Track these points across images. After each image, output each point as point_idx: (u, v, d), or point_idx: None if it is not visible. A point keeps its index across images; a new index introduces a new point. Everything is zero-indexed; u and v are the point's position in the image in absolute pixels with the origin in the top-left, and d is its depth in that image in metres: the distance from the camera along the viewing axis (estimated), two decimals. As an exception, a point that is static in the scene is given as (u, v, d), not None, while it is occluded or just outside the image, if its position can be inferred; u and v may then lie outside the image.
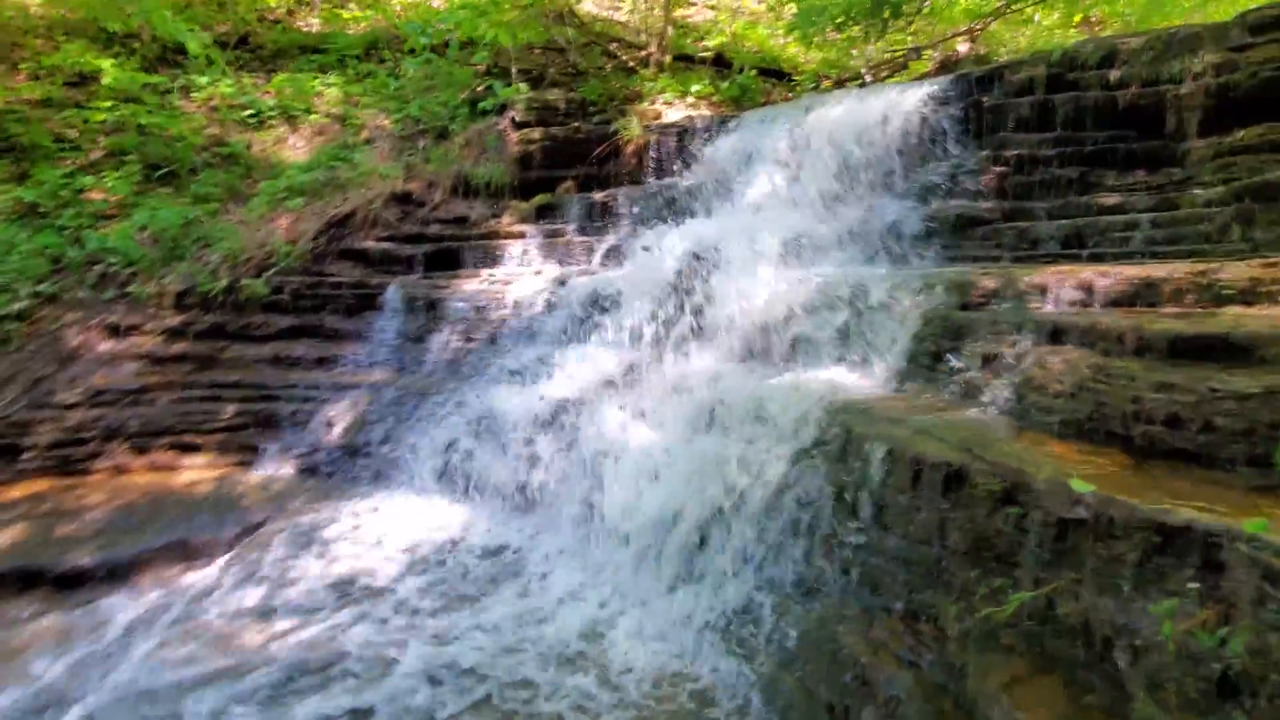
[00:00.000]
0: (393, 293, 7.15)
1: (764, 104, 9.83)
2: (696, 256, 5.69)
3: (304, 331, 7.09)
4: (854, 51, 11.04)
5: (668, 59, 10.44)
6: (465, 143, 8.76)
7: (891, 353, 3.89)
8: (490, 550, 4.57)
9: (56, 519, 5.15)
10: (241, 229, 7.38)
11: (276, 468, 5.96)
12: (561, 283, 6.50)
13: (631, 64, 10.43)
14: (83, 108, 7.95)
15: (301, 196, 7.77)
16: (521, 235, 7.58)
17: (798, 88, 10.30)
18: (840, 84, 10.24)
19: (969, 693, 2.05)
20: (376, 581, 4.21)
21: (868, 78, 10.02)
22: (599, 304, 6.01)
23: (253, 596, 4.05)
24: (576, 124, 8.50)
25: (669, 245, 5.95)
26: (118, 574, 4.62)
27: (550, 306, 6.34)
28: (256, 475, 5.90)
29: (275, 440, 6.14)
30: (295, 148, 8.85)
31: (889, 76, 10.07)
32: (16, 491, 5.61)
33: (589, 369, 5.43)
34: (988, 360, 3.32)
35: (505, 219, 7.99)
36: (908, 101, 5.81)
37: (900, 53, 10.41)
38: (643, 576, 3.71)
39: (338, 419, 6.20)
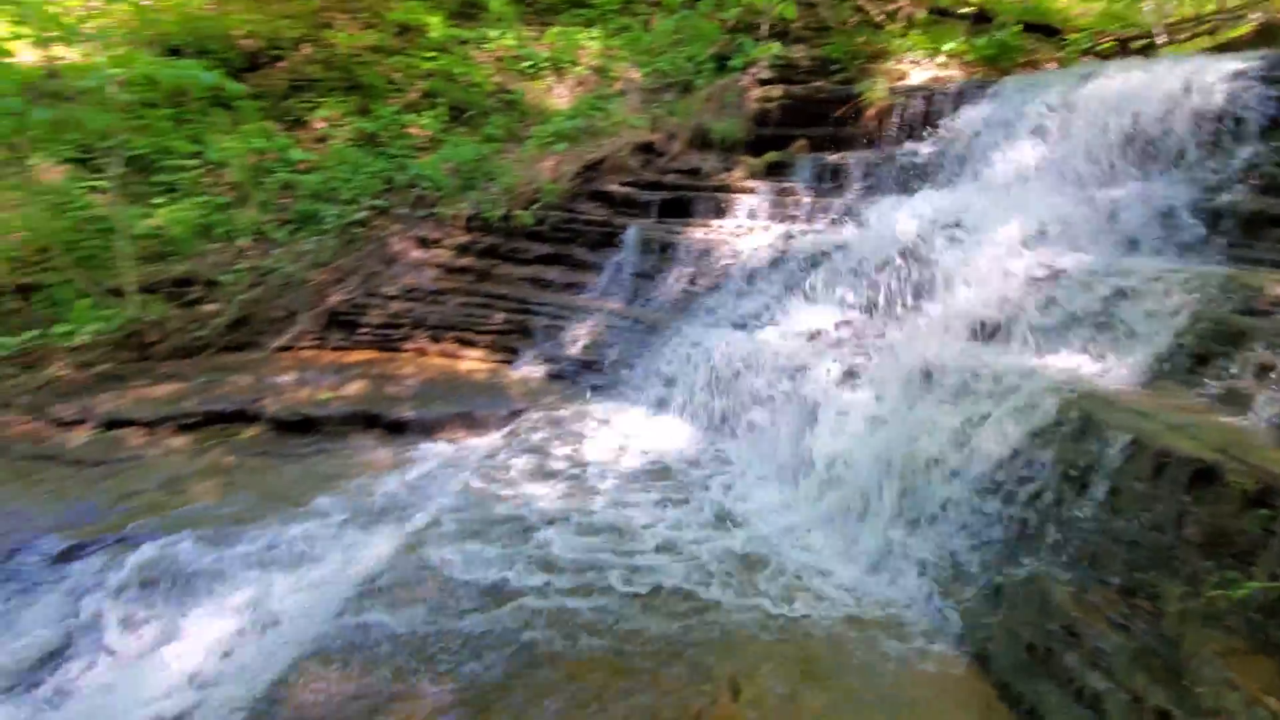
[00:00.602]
0: (631, 233, 7.96)
1: (1024, 65, 9.00)
2: (932, 227, 5.68)
3: (557, 259, 8.22)
4: (1145, 5, 9.57)
5: (920, 13, 9.88)
6: (707, 97, 9.20)
7: (1145, 349, 3.77)
8: (701, 463, 5.24)
9: (384, 381, 6.76)
10: (517, 166, 8.59)
11: (530, 369, 7.17)
12: (787, 239, 6.82)
13: (879, 18, 10.02)
14: (407, 54, 9.59)
15: (564, 141, 8.79)
16: (751, 190, 7.94)
17: (1069, 46, 9.21)
18: (1123, 44, 9.00)
19: (1181, 654, 2.24)
20: (611, 468, 5.07)
21: (1160, 39, 8.69)
22: (823, 263, 6.25)
23: (526, 461, 5.11)
24: (818, 83, 8.53)
25: (903, 213, 5.98)
26: (428, 428, 6.04)
27: (774, 261, 6.70)
28: (516, 373, 7.16)
29: (531, 347, 7.36)
30: (559, 96, 9.91)
31: (1188, 40, 8.64)
32: (355, 356, 7.41)
33: (807, 323, 5.78)
34: (1264, 370, 3.16)
35: (736, 173, 8.39)
36: (1213, 75, 5.15)
37: (1211, 13, 8.82)
38: (844, 511, 4.12)
39: (580, 336, 7.23)
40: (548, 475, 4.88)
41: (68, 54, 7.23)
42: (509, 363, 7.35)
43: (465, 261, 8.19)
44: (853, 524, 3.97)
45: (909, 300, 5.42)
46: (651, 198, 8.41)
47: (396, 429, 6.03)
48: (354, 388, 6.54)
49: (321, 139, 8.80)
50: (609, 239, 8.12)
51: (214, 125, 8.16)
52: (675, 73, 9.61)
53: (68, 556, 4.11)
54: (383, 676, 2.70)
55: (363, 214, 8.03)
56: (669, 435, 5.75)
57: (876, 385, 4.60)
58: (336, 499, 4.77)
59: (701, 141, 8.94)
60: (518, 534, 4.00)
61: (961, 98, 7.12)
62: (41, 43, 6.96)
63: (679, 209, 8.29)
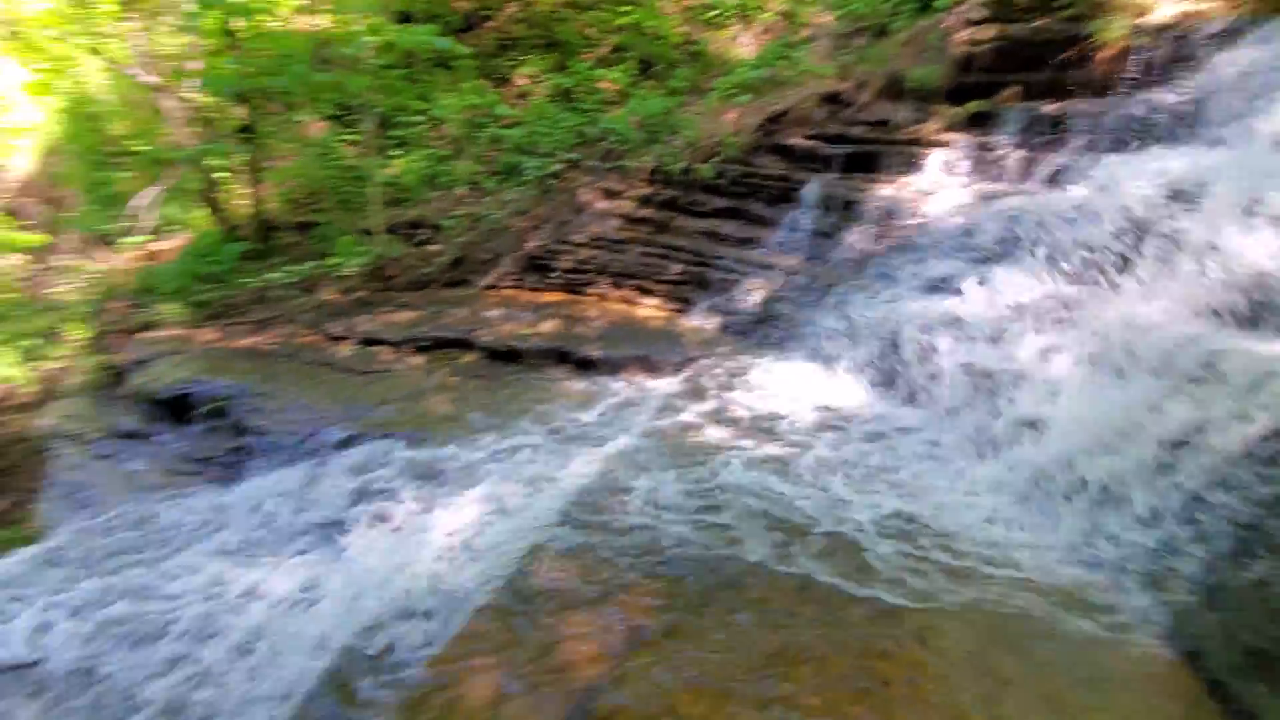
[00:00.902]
0: (811, 189, 7.82)
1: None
2: (1171, 192, 5.03)
3: (733, 213, 8.33)
4: None
5: (1180, -68, 8.32)
6: (904, 41, 8.59)
7: None
8: (880, 427, 5.25)
9: (573, 322, 7.43)
10: (699, 119, 8.71)
11: (704, 320, 7.47)
12: (987, 199, 6.36)
13: (1124, -59, 8.59)
14: (601, 9, 9.93)
15: (747, 93, 8.73)
16: (947, 144, 7.42)
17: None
18: None
19: None
20: (786, 419, 5.25)
21: None
22: (1029, 228, 5.79)
23: (704, 405, 5.46)
24: (1041, 21, 7.61)
25: (1136, 174, 5.34)
26: (612, 366, 6.60)
27: (970, 223, 6.31)
28: (690, 322, 7.51)
29: (705, 298, 7.64)
30: (744, 45, 9.77)
31: None
32: (547, 297, 8.17)
33: (1009, 291, 5.44)
34: None
35: (931, 125, 7.84)
36: None
37: None
38: (1042, 490, 4.00)
39: (754, 291, 7.37)
40: (724, 420, 5.19)
41: (322, 21, 8.41)
42: (683, 312, 7.70)
43: (646, 213, 8.57)
44: (1051, 504, 3.85)
45: (1135, 273, 4.91)
46: (835, 152, 8.14)
47: (585, 365, 6.65)
48: (548, 326, 7.26)
49: (523, 95, 9.51)
50: (788, 194, 8.05)
51: (437, 84, 9.12)
52: (871, 15, 9.05)
53: (347, 444, 5.17)
54: (604, 571, 3.20)
55: (557, 166, 8.65)
56: (844, 395, 5.79)
57: (1091, 362, 4.30)
58: (541, 421, 5.46)
59: (894, 91, 8.42)
60: (702, 468, 4.37)
61: (1223, 39, 6.04)
62: (309, 10, 8.18)
63: (864, 164, 7.96)
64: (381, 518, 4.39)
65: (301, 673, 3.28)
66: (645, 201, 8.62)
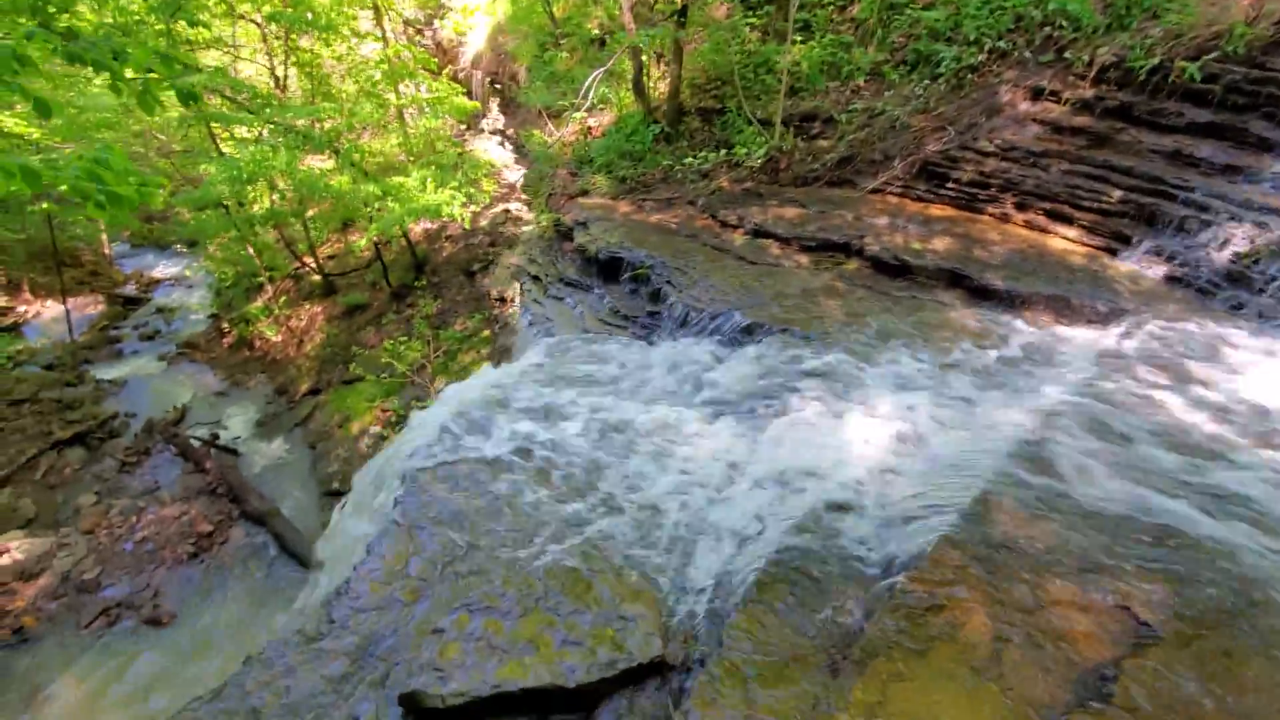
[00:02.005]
0: (1374, 106, 5.46)
1: None
2: None
3: (1218, 131, 6.30)
4: None
5: None
6: None
7: None
8: None
9: (970, 243, 6.61)
10: (1197, 1, 6.52)
11: (1144, 265, 6.04)
12: None
13: None
14: None
15: (1295, -41, 6.18)
16: None
17: None
18: None
19: None
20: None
21: None
22: None
23: (1161, 378, 4.49)
24: None
25: None
26: (1013, 301, 5.79)
27: None
28: (1122, 265, 6.14)
29: (1150, 238, 6.12)
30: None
31: None
32: (936, 210, 7.36)
33: None
34: None
35: None
36: None
37: None
38: None
39: (1231, 238, 5.66)
40: (1200, 403, 4.22)
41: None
42: (1114, 251, 6.31)
43: (1082, 121, 6.96)
44: None
45: None
46: None
47: (980, 294, 5.95)
48: (940, 243, 6.59)
49: (950, -33, 8.10)
50: (1322, 111, 5.77)
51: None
52: None
53: (750, 331, 5.48)
54: (1078, 543, 2.92)
55: (979, 58, 7.38)
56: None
57: None
58: (938, 350, 5.08)
59: None
60: (1168, 458, 3.65)
61: None
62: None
63: None
64: (791, 410, 4.61)
65: (750, 524, 3.72)
66: (1084, 107, 6.98)
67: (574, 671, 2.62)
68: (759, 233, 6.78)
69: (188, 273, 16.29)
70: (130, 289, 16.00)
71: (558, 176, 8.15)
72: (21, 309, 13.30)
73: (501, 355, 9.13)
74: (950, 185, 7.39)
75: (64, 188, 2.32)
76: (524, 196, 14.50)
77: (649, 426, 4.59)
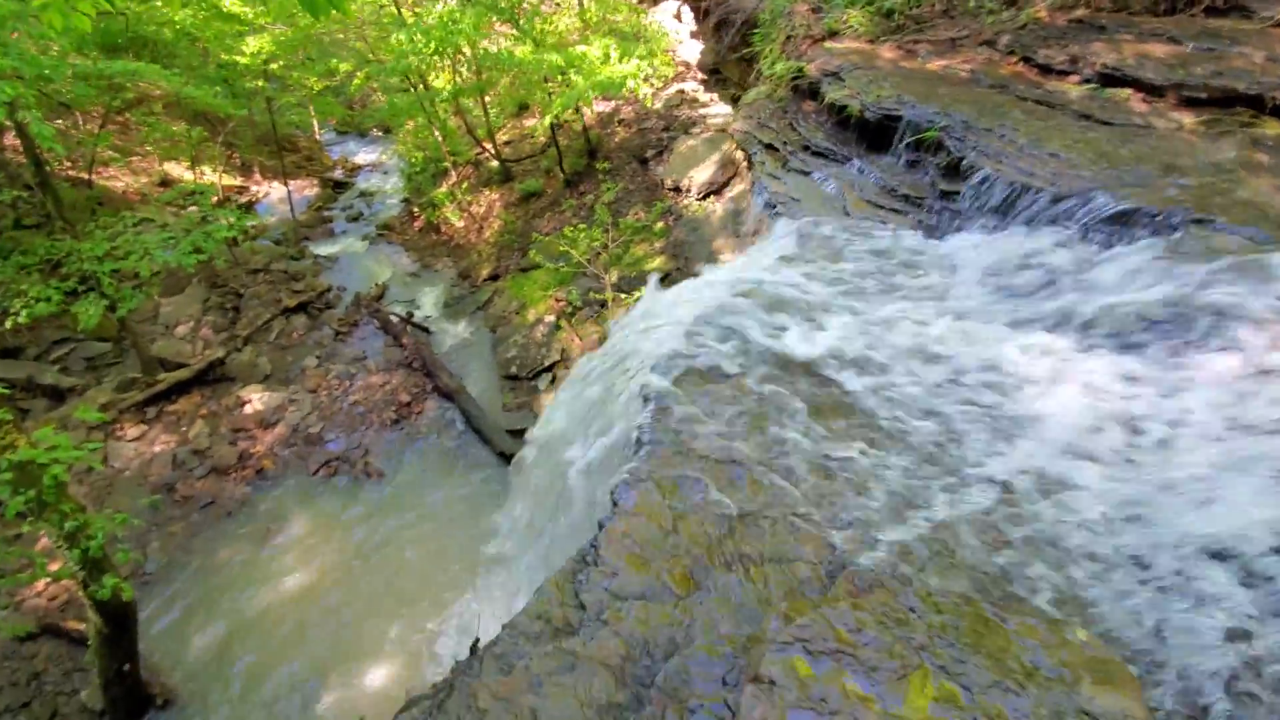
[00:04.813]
0: None
1: None
2: None
3: None
4: None
5: None
6: None
7: None
8: None
9: None
10: None
11: None
12: None
13: None
14: None
15: None
16: None
17: None
18: None
19: None
20: None
21: None
22: None
23: None
24: None
25: None
26: None
27: None
28: None
29: None
30: None
31: None
32: None
33: None
34: None
35: None
36: None
37: None
38: None
39: None
40: None
41: None
42: None
43: None
44: None
45: None
46: None
47: None
48: None
49: None
50: None
51: None
52: None
53: (1125, 220, 3.48)
54: None
55: None
56: None
57: None
58: None
59: None
60: None
61: None
62: None
63: None
64: (1227, 347, 2.76)
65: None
66: None
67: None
68: (1110, 79, 4.44)
69: (383, 158, 16.41)
70: (339, 173, 16.48)
71: (795, 14, 6.12)
72: (254, 189, 14.05)
73: (675, 250, 7.78)
74: None
75: None
76: (700, 75, 12.34)
77: (1001, 358, 2.97)
